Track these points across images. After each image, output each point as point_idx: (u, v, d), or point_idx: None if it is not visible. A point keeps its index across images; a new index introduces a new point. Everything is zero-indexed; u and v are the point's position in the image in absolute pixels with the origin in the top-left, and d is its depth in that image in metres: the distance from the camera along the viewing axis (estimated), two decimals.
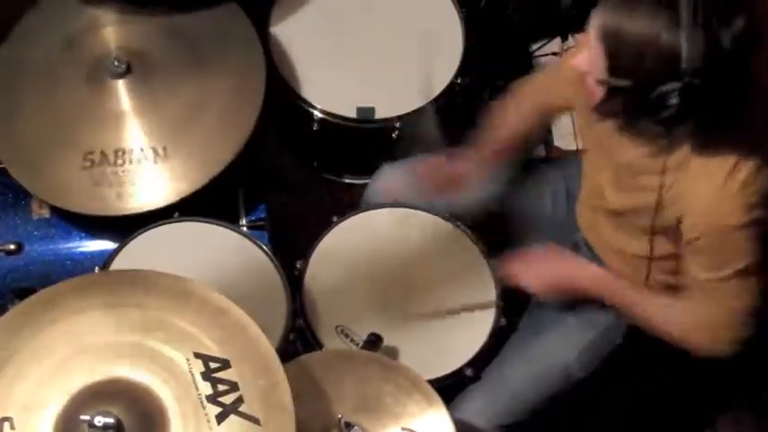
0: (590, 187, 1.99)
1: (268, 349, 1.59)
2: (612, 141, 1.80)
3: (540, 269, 1.96)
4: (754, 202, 1.66)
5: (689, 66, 1.51)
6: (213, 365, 1.56)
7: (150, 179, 2.06)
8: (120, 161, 2.07)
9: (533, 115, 2.09)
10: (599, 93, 1.65)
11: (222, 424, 1.51)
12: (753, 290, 1.74)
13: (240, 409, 1.53)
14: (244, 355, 1.58)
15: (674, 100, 1.54)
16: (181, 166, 2.07)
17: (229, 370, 1.56)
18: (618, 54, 1.57)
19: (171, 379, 1.54)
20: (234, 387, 1.55)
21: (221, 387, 1.54)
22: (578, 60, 1.68)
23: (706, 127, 1.63)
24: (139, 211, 2.06)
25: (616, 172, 1.84)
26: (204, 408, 1.52)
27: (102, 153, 2.07)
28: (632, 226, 1.85)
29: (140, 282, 1.64)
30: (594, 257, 2.01)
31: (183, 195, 2.06)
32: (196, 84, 2.14)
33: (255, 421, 1.52)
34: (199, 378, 1.55)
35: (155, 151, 2.07)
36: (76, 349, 1.56)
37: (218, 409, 1.52)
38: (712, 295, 1.75)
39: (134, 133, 2.09)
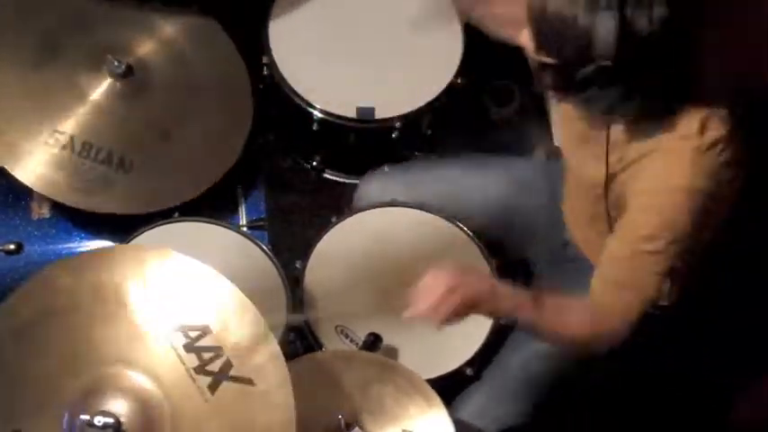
0: (570, 176, 1.99)
1: (245, 302, 1.56)
2: (572, 115, 1.82)
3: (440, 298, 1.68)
4: (704, 172, 1.63)
5: (599, 49, 1.54)
6: (193, 334, 1.54)
7: (102, 183, 2.06)
8: (84, 153, 2.07)
9: None
10: (533, 65, 1.67)
11: (217, 392, 1.50)
12: (662, 272, 1.67)
13: (230, 373, 1.51)
14: (222, 316, 1.55)
15: (594, 81, 1.58)
16: (134, 185, 2.08)
17: (210, 336, 1.53)
18: (541, 32, 1.60)
19: (159, 365, 1.53)
20: (218, 352, 1.52)
21: (206, 355, 1.52)
22: (522, 36, 1.68)
23: (646, 103, 1.64)
24: (76, 206, 2.05)
25: (577, 146, 1.86)
26: (195, 381, 1.50)
27: (71, 138, 2.07)
28: (594, 204, 1.84)
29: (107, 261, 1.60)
30: (581, 255, 2.01)
31: (123, 212, 2.07)
32: (183, 117, 2.15)
33: (249, 382, 1.50)
34: (182, 352, 1.53)
35: (121, 160, 2.08)
36: (76, 349, 1.56)
37: (207, 379, 1.51)
38: (620, 270, 1.70)
39: (109, 135, 2.09)
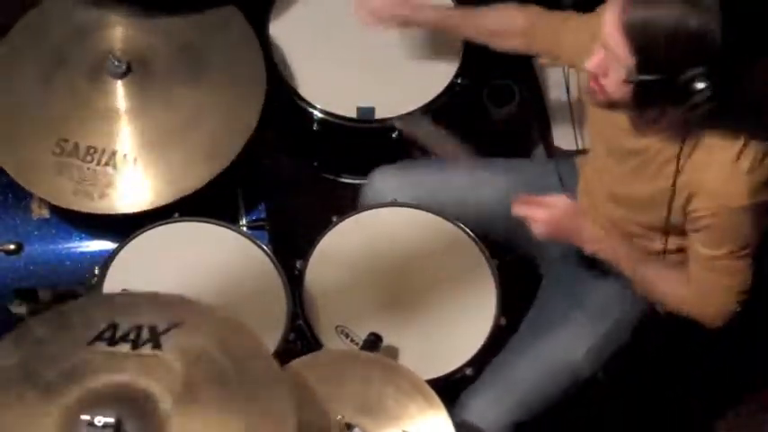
0: (593, 179, 1.99)
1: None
2: (617, 130, 1.81)
3: (555, 221, 1.88)
4: (759, 186, 1.69)
5: (721, 46, 1.52)
6: (107, 335, 1.59)
7: (104, 185, 2.06)
8: (88, 158, 2.07)
9: (520, 37, 2.12)
10: (621, 92, 1.64)
11: (165, 348, 1.57)
12: (746, 270, 1.79)
13: (160, 331, 1.58)
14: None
15: (701, 84, 1.55)
16: (135, 185, 2.07)
17: (120, 328, 1.60)
18: (648, 48, 1.57)
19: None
20: (138, 329, 1.59)
21: (132, 336, 1.58)
22: (592, 63, 1.67)
23: (720, 109, 1.62)
24: (88, 211, 2.06)
25: (622, 160, 1.85)
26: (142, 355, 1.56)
27: (75, 145, 2.07)
28: (644, 215, 1.86)
29: None
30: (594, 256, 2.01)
31: (123, 213, 2.06)
32: (190, 101, 2.14)
33: (178, 325, 1.59)
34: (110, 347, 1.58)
35: (124, 160, 2.07)
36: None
37: (149, 344, 1.57)
38: (708, 271, 1.80)
39: (112, 136, 2.09)
